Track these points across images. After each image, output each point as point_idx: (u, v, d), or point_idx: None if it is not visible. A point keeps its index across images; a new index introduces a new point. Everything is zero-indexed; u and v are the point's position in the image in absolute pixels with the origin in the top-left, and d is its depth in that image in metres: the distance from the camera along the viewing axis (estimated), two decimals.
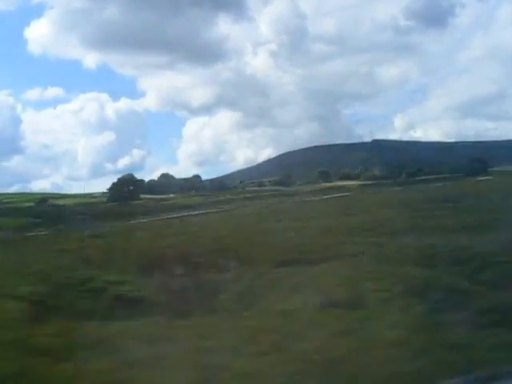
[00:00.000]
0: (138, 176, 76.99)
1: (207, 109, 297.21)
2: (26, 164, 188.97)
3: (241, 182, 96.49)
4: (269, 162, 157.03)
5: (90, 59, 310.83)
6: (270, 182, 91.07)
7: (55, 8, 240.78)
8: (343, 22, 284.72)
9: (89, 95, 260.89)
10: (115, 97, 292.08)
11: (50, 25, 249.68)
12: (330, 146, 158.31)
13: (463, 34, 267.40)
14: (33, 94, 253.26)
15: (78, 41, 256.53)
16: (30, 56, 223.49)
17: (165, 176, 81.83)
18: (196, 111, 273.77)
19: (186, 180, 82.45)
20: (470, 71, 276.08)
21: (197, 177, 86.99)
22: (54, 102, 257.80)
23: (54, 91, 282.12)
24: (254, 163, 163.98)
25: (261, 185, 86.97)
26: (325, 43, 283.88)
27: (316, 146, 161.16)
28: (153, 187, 71.93)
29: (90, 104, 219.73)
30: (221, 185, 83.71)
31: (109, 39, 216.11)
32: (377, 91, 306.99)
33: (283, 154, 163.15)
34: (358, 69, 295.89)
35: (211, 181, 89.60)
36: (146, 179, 78.66)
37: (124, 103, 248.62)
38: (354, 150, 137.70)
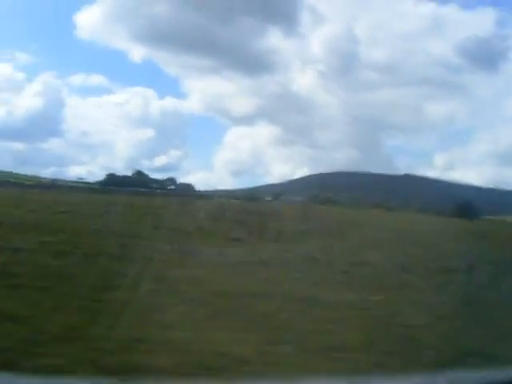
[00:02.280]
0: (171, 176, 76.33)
1: (248, 119, 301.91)
2: (63, 148, 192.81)
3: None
4: (301, 180, 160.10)
5: (137, 53, 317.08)
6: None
7: None
8: (395, 51, 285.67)
9: (136, 89, 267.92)
10: (160, 94, 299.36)
11: (100, 13, 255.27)
12: (364, 173, 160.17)
13: None
14: (76, 79, 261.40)
15: (126, 32, 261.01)
16: (78, 41, 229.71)
17: None
18: (237, 120, 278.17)
19: None
20: None
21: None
22: (97, 91, 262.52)
23: (97, 79, 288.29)
24: (287, 179, 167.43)
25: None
26: (374, 71, 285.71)
27: (351, 172, 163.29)
28: None
29: (134, 98, 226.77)
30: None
31: (157, 35, 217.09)
32: (421, 126, 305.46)
33: (316, 175, 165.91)
34: (404, 101, 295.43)
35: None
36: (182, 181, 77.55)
37: (168, 102, 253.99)
38: (385, 181, 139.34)
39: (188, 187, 71.19)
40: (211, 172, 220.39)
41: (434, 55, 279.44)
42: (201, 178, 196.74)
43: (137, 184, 67.68)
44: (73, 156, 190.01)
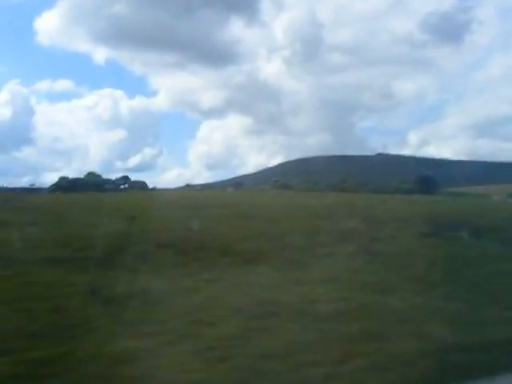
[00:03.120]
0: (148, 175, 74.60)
1: (219, 112, 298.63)
2: (37, 156, 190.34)
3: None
4: (276, 168, 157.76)
5: (100, 54, 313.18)
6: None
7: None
8: (360, 32, 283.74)
9: (105, 91, 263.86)
10: (129, 94, 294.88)
11: (59, 17, 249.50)
12: (338, 156, 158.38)
13: (480, 52, 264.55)
14: (43, 85, 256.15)
15: (87, 35, 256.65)
16: (40, 47, 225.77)
17: None
18: (207, 113, 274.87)
19: None
20: (486, 90, 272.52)
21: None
22: (65, 95, 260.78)
23: (64, 84, 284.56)
24: (262, 168, 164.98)
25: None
26: (340, 53, 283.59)
27: (324, 156, 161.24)
28: None
29: (103, 100, 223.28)
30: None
31: (118, 35, 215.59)
32: (393, 105, 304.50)
33: (290, 162, 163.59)
34: (373, 81, 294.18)
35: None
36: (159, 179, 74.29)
37: (137, 101, 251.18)
38: (358, 162, 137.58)
39: (141, 185, 68.25)
40: (187, 168, 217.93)
41: (399, 33, 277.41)
42: (178, 175, 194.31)
43: (88, 186, 64.89)
44: (47, 163, 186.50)
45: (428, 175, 64.06)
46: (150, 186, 68.60)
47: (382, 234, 17.14)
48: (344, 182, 68.72)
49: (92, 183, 68.33)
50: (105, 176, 78.36)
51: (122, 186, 73.47)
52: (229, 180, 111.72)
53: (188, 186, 78.91)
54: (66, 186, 66.29)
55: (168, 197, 28.52)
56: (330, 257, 13.38)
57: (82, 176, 75.15)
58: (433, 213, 22.87)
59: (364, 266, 12.58)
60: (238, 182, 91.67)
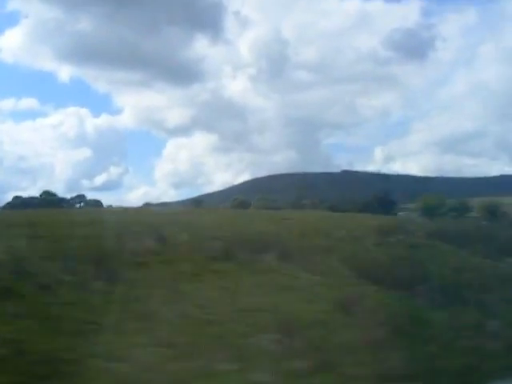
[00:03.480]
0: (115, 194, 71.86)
1: (184, 130, 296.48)
2: (1, 175, 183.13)
3: None
4: (240, 186, 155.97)
5: (64, 72, 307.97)
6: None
7: (29, 17, 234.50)
8: (324, 50, 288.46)
9: (70, 110, 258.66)
10: (94, 112, 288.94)
11: (23, 35, 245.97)
12: (303, 174, 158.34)
13: (444, 68, 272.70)
14: (7, 104, 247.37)
15: (51, 53, 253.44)
16: (3, 65, 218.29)
17: None
18: (173, 132, 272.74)
19: None
20: (450, 107, 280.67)
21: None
22: (30, 114, 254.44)
23: (28, 102, 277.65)
24: (227, 186, 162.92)
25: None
26: (306, 71, 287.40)
27: (290, 174, 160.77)
28: None
29: (68, 118, 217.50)
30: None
31: (83, 53, 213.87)
32: (358, 122, 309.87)
33: (254, 179, 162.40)
34: (338, 98, 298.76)
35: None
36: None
37: (102, 120, 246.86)
38: (323, 180, 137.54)
39: (96, 203, 65.13)
40: (153, 186, 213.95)
41: (363, 50, 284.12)
42: (144, 193, 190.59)
43: (43, 204, 61.35)
44: (12, 182, 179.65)
45: (385, 193, 63.03)
46: (110, 204, 65.52)
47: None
48: (301, 199, 67.79)
49: (47, 202, 64.88)
50: (67, 194, 75.27)
51: (78, 205, 70.09)
52: (194, 198, 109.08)
53: (147, 204, 76.04)
54: (19, 204, 62.80)
55: (98, 215, 25.22)
56: None
57: (37, 195, 71.56)
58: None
59: None
60: (198, 201, 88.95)
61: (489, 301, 11.19)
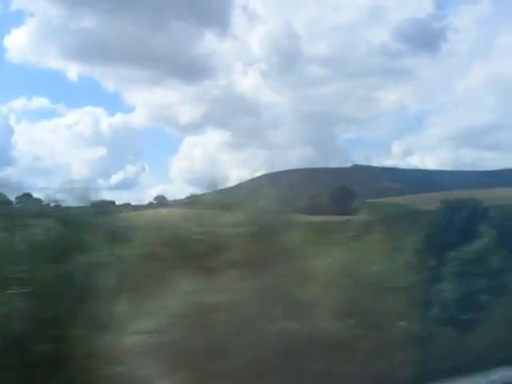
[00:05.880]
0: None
1: (197, 127, 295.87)
2: (18, 176, 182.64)
3: None
4: (254, 181, 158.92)
5: (72, 70, 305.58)
6: None
7: (35, 16, 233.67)
8: (337, 44, 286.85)
9: (85, 109, 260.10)
10: (107, 111, 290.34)
11: (29, 34, 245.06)
12: (315, 169, 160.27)
13: (459, 61, 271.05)
14: (18, 103, 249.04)
15: (58, 51, 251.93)
16: (11, 65, 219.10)
17: None
18: (186, 129, 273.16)
19: None
20: (466, 100, 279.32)
21: None
22: (44, 114, 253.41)
23: (39, 101, 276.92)
24: (241, 182, 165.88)
25: None
26: (319, 65, 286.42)
27: (302, 169, 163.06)
28: None
29: (84, 117, 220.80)
30: None
31: (90, 51, 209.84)
32: (374, 117, 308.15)
33: (267, 175, 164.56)
34: (353, 93, 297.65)
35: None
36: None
37: (117, 118, 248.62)
38: (336, 175, 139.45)
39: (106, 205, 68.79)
40: (170, 184, 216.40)
41: (376, 43, 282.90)
42: (161, 191, 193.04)
43: None
44: (29, 183, 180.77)
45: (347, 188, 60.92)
46: (127, 202, 68.40)
47: None
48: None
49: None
50: None
51: None
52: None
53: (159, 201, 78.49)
54: None
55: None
56: None
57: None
58: None
59: None
60: None
61: None
